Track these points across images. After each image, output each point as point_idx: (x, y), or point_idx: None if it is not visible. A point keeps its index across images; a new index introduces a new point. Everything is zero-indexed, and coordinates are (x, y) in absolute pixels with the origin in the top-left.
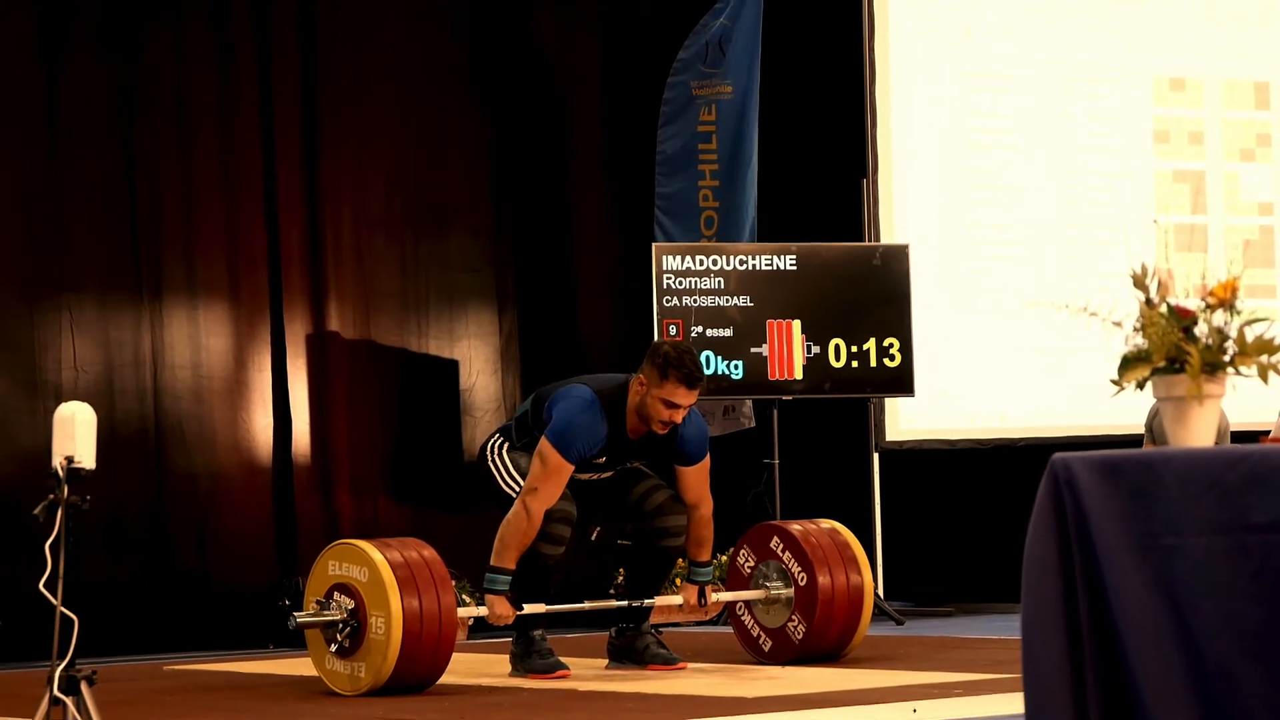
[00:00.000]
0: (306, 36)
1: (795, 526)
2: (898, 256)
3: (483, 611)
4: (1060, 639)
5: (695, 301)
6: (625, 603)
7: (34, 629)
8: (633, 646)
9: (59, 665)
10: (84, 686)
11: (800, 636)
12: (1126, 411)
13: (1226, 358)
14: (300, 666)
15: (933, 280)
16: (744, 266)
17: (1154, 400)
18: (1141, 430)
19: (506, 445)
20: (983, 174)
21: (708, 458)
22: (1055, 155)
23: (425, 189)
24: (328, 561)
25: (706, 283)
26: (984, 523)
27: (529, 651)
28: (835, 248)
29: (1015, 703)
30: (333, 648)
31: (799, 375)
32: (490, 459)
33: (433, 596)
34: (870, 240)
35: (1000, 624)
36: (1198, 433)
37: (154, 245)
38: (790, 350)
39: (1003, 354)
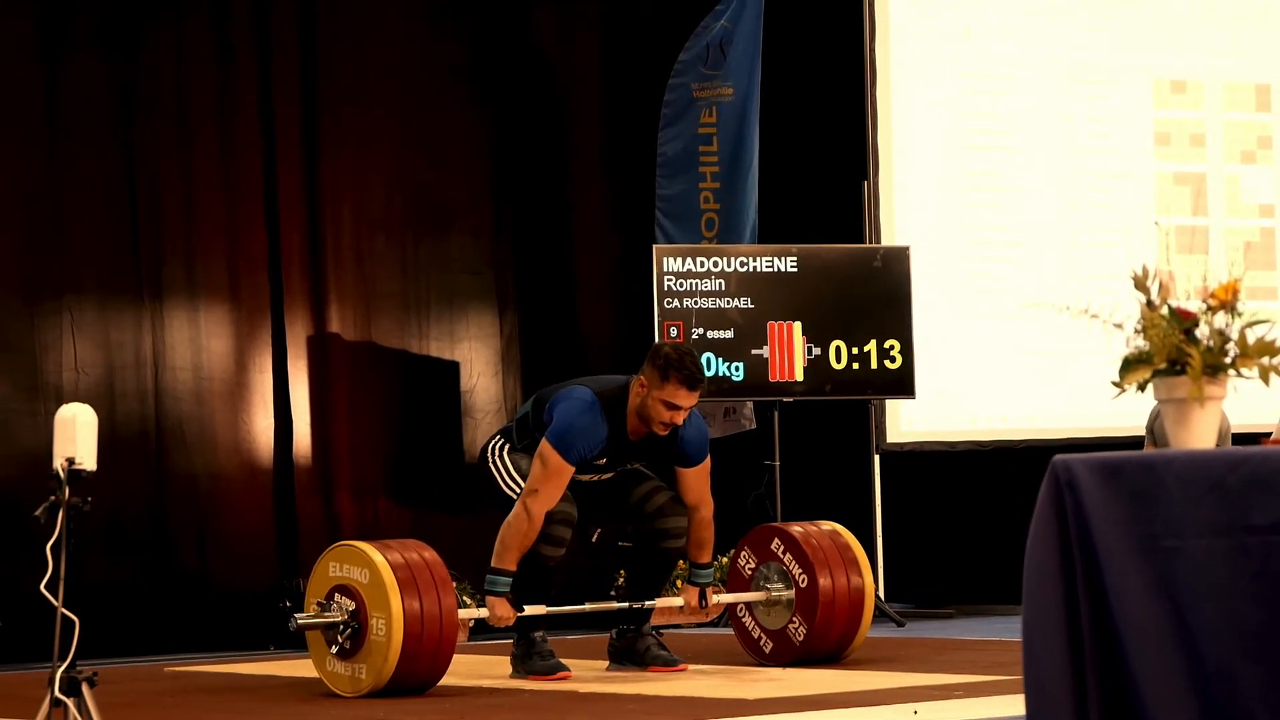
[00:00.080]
0: (306, 36)
1: (796, 528)
2: (898, 258)
3: (483, 613)
4: (1061, 640)
5: (696, 303)
6: (626, 604)
7: (35, 630)
8: (634, 648)
9: (60, 666)
10: (85, 688)
11: (801, 638)
12: (1127, 413)
13: (1227, 360)
14: (301, 668)
15: (933, 282)
16: (745, 268)
17: (1155, 402)
18: (1142, 432)
19: (507, 447)
20: (983, 175)
21: (708, 459)
22: (1056, 157)
23: (425, 189)
24: (328, 563)
25: (707, 284)
26: (985, 524)
27: (530, 653)
28: (836, 249)
29: (1016, 704)
30: (334, 649)
31: (800, 377)
32: (491, 460)
33: (434, 598)
34: (871, 242)
35: (1001, 626)
36: (1199, 435)
37: (154, 246)
38: (791, 352)
39: (1003, 356)
